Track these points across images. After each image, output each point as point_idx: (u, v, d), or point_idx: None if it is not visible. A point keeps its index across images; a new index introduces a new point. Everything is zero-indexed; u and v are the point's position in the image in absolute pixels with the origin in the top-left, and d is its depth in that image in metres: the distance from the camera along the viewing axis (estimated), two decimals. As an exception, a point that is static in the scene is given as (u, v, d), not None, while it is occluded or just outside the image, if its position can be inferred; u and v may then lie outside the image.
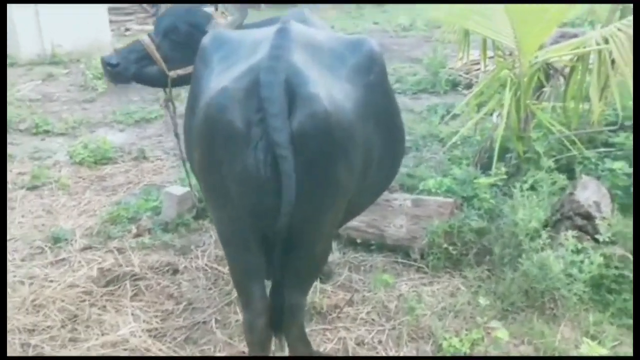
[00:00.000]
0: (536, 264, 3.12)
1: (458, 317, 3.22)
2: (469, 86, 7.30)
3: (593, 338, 2.89)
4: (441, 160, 5.17)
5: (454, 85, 7.72)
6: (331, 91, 2.22)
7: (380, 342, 3.10)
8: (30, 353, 3.08)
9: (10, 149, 6.06)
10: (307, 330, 2.89)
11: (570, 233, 3.31)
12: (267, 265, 2.38)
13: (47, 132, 6.68)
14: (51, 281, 3.73)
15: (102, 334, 3.22)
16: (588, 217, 3.48)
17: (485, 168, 4.48)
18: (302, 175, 2.10)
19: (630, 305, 3.07)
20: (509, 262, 3.45)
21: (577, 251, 3.09)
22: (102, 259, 3.99)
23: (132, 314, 3.40)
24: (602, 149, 4.47)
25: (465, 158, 4.90)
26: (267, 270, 2.42)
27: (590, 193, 3.70)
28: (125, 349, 3.08)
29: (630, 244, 3.34)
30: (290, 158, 2.05)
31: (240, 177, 2.15)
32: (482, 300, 3.11)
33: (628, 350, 2.83)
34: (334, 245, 3.89)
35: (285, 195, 2.08)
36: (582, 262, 3.02)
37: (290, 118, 2.11)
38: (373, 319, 3.26)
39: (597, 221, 3.41)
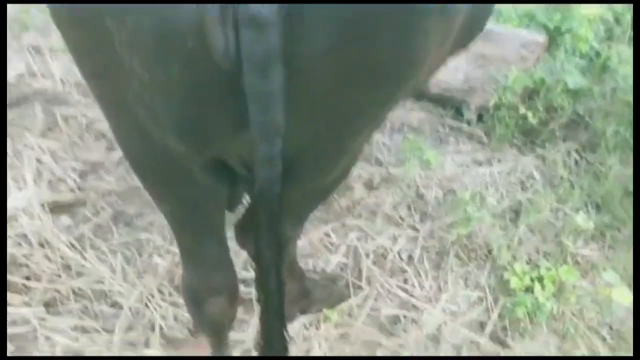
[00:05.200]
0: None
1: (531, 231, 2.11)
2: None
3: None
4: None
5: None
6: None
7: (410, 258, 2.02)
8: None
9: None
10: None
11: None
12: (231, 189, 1.15)
13: None
14: None
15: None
16: None
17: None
18: (328, 53, 0.74)
19: None
20: (617, 147, 2.27)
21: None
22: None
23: None
24: None
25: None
26: (232, 198, 1.20)
27: None
28: None
29: None
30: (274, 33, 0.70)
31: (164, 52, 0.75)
32: (581, 218, 1.97)
33: None
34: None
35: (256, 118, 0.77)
36: None
37: None
38: (401, 217, 2.14)
39: None
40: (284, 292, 0.98)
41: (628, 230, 2.12)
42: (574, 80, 2.33)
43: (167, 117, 0.81)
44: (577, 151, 2.39)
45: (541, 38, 2.47)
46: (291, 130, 0.77)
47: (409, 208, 2.17)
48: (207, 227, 1.17)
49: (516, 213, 2.16)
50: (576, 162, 2.36)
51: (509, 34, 2.48)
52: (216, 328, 1.39)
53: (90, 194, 2.15)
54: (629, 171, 2.25)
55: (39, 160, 2.24)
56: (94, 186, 2.19)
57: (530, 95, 2.40)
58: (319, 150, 0.93)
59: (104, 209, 2.12)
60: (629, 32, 2.56)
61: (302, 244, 2.00)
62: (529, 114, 2.35)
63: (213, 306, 1.30)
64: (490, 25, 2.48)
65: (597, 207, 2.19)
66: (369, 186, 2.22)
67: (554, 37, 2.65)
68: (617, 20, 2.72)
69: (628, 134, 2.26)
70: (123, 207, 2.14)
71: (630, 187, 2.20)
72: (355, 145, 1.01)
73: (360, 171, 2.27)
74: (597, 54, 2.55)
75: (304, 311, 1.78)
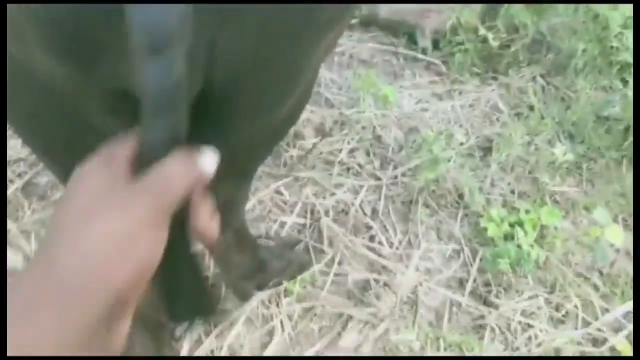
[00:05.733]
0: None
1: (503, 169, 1.91)
2: None
3: None
4: None
5: None
6: None
7: (374, 211, 1.78)
8: None
9: None
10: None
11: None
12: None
13: None
14: None
15: None
16: None
17: None
18: None
19: None
20: (586, 68, 2.08)
21: None
22: None
23: None
24: None
25: None
26: None
27: None
28: None
29: None
30: None
31: None
32: (559, 151, 1.79)
33: None
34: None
35: None
36: None
37: None
38: (360, 165, 1.89)
39: None
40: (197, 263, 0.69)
41: (604, 160, 1.95)
42: (536, -4, 2.10)
43: (32, 23, 0.51)
44: (542, 76, 2.19)
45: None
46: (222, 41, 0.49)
47: (367, 154, 1.92)
48: None
49: (484, 151, 1.95)
50: (543, 89, 2.16)
51: (464, -53, 2.20)
52: (147, 326, 1.11)
53: (-8, 165, 1.80)
54: (600, 94, 2.08)
55: None
56: (-5, 155, 1.83)
57: (490, 14, 2.15)
58: (264, 68, 0.62)
59: (12, 181, 1.79)
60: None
61: (249, 205, 1.74)
62: (490, 35, 2.11)
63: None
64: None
65: (570, 137, 2.00)
66: (321, 131, 1.95)
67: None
68: None
69: (596, 52, 2.07)
70: (34, 177, 1.81)
71: (602, 112, 2.02)
72: (311, 61, 0.70)
73: (309, 114, 1.99)
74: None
75: (260, 287, 1.54)
